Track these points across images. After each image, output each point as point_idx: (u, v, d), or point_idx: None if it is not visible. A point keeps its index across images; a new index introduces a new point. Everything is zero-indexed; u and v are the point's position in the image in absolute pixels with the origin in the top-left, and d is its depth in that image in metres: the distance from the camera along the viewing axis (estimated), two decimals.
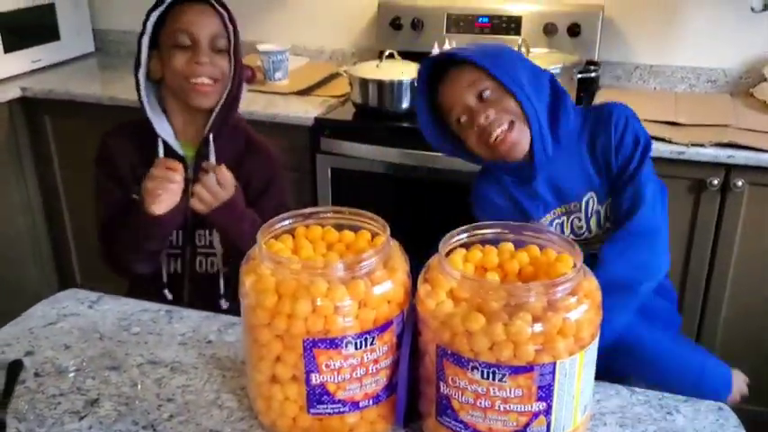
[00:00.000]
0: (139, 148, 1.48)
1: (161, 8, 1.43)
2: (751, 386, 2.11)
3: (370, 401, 0.91)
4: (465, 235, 0.94)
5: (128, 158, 1.49)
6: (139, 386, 1.06)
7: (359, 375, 0.89)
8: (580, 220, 1.43)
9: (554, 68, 2.06)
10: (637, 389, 1.04)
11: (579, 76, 2.14)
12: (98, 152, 1.53)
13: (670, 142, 1.96)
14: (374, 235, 0.98)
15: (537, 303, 0.83)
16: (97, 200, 1.53)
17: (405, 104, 2.23)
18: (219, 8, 1.44)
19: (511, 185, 1.47)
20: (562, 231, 1.43)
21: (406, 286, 0.92)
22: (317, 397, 0.89)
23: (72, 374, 1.09)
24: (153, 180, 1.36)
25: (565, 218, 1.44)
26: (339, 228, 0.99)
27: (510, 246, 0.96)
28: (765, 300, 2.04)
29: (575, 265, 0.86)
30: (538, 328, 0.81)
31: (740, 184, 1.93)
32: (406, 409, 0.93)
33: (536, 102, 1.37)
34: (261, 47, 2.53)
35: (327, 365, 0.87)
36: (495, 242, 0.96)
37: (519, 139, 1.37)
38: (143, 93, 1.45)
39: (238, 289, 0.94)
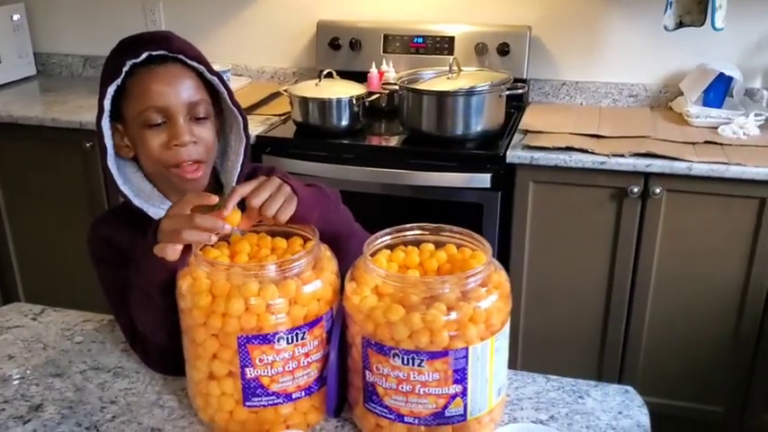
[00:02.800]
0: (137, 231, 1.08)
1: (117, 80, 1.11)
2: (676, 385, 2.25)
3: (303, 393, 0.97)
4: (388, 237, 1.01)
5: (128, 240, 1.11)
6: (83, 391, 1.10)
7: (291, 368, 0.95)
8: None
9: (482, 86, 2.18)
10: (552, 376, 1.13)
11: (507, 92, 2.25)
12: (92, 246, 1.23)
13: (593, 153, 2.09)
14: (306, 240, 1.05)
15: (451, 294, 0.91)
16: (115, 304, 1.19)
17: (344, 122, 2.31)
18: (193, 63, 1.15)
19: None
20: None
21: (334, 285, 0.99)
22: (251, 390, 0.95)
23: (16, 382, 1.12)
24: (176, 221, 0.97)
25: None
26: (273, 235, 1.06)
27: (431, 246, 1.04)
28: (687, 299, 2.17)
29: (485, 260, 0.95)
30: (452, 316, 0.89)
31: (658, 191, 2.06)
32: (337, 399, 1.00)
33: None
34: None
35: (261, 360, 0.94)
36: (417, 243, 1.04)
37: None
38: (117, 178, 1.15)
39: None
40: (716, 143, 2.15)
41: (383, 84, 2.43)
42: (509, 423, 1.02)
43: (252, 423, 0.98)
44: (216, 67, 1.19)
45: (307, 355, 0.96)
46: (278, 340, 0.93)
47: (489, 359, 0.92)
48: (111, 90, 1.12)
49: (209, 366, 0.97)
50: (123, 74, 1.11)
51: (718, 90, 2.38)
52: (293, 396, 0.97)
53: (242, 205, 1.01)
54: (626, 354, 2.28)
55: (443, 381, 0.90)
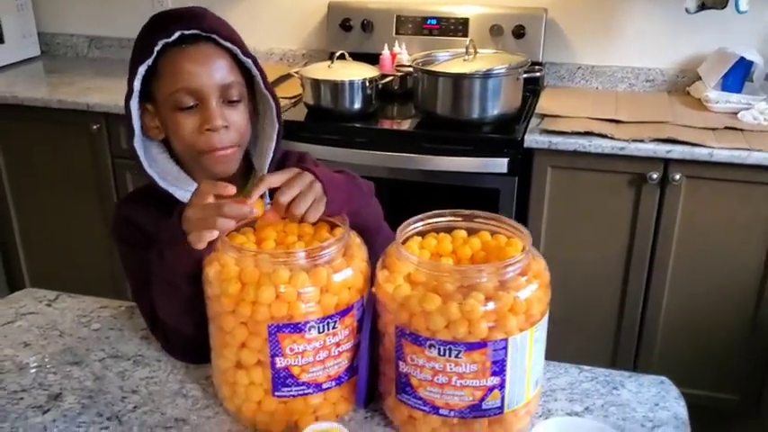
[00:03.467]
0: (163, 214, 1.06)
1: (149, 61, 1.07)
2: (692, 372, 2.22)
3: (333, 383, 0.94)
4: (420, 223, 0.98)
5: (152, 223, 1.10)
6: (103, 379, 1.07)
7: (322, 358, 0.92)
8: None
9: (500, 69, 2.14)
10: (585, 367, 1.10)
11: (525, 76, 2.21)
12: (115, 226, 1.18)
13: (612, 138, 2.05)
14: (333, 227, 1.01)
15: (489, 284, 0.88)
16: (136, 288, 1.15)
17: (357, 105, 2.27)
18: (226, 43, 1.10)
19: None
20: None
21: (365, 273, 0.95)
22: (281, 380, 0.92)
23: (33, 371, 1.09)
24: (203, 209, 0.93)
25: None
26: (299, 221, 1.02)
27: (463, 233, 1.00)
28: (704, 287, 2.14)
29: (524, 248, 0.92)
30: (490, 306, 0.86)
31: (678, 177, 2.03)
32: (367, 389, 0.97)
33: None
34: None
35: (291, 349, 0.91)
36: (448, 230, 1.01)
37: None
38: (144, 161, 1.11)
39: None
40: (736, 129, 2.11)
41: (397, 66, 2.38)
42: (543, 416, 0.99)
43: (280, 413, 0.95)
44: None
45: (338, 344, 0.93)
46: (309, 329, 0.90)
47: (528, 351, 0.89)
48: (141, 70, 1.08)
49: (238, 355, 0.93)
50: (155, 53, 1.07)
51: (738, 75, 2.34)
52: (323, 386, 0.94)
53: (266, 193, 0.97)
54: (641, 340, 2.25)
55: (481, 373, 0.87)
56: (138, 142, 1.11)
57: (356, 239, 0.98)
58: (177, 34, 1.07)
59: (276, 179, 0.96)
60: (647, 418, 0.99)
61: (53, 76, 2.80)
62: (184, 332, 1.06)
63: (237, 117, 1.12)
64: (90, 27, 3.02)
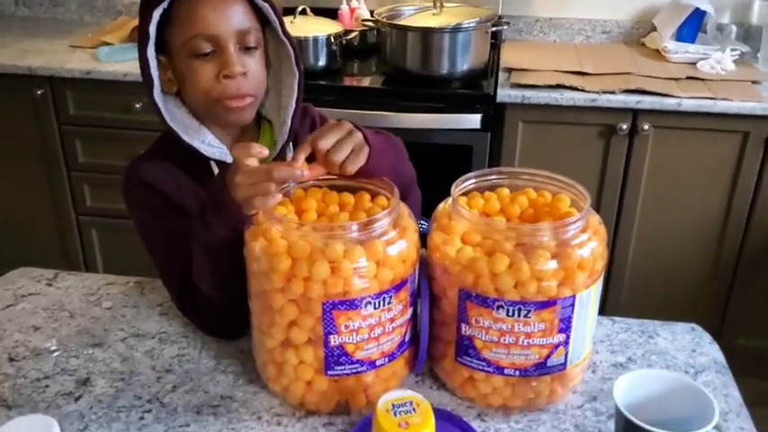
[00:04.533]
0: (183, 173, 1.08)
1: (164, 5, 1.02)
2: (657, 313, 2.31)
3: (386, 359, 0.91)
4: (473, 181, 0.96)
5: (172, 184, 1.08)
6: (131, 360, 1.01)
7: (377, 335, 0.89)
8: None
9: (469, 23, 2.11)
10: (616, 318, 1.12)
11: (492, 29, 2.19)
12: (132, 192, 1.10)
13: (583, 90, 2.07)
14: (374, 195, 0.98)
15: (550, 242, 0.87)
16: (162, 260, 1.08)
17: (321, 62, 2.21)
18: None
19: None
20: None
21: (417, 245, 0.92)
22: (335, 359, 0.89)
23: (53, 355, 1.02)
24: (253, 174, 0.87)
25: None
26: (336, 190, 0.98)
27: (507, 191, 0.99)
28: (670, 232, 2.22)
29: (580, 207, 0.91)
30: (558, 264, 0.85)
31: (646, 127, 2.07)
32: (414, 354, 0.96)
33: None
34: None
35: (347, 326, 0.87)
36: (491, 189, 0.99)
37: None
38: (165, 114, 1.06)
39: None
40: (698, 78, 2.17)
41: (363, 21, 2.32)
42: (590, 368, 1.00)
43: (331, 392, 0.91)
44: None
45: (392, 320, 0.90)
46: (365, 305, 0.87)
47: (591, 306, 0.89)
48: (156, 14, 1.01)
49: (286, 333, 0.89)
50: None
51: (692, 25, 2.40)
52: (377, 363, 0.91)
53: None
54: (609, 285, 2.32)
55: (549, 331, 0.87)
56: (157, 95, 1.05)
57: (405, 209, 0.94)
58: None
59: (315, 134, 0.91)
60: (688, 365, 1.02)
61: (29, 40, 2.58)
62: (222, 304, 1.01)
63: (255, 65, 1.07)
64: None
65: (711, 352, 1.05)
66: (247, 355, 1.01)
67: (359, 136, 0.94)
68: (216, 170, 1.09)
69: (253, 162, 0.89)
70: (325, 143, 0.91)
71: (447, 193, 0.95)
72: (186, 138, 1.07)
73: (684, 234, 2.21)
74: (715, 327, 2.33)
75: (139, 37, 1.03)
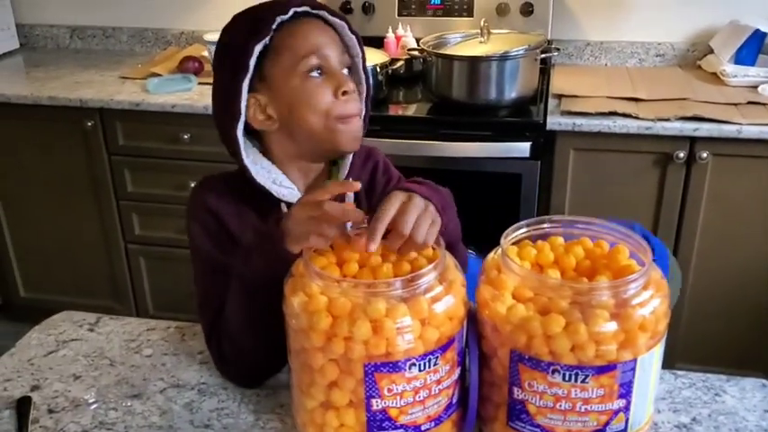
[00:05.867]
0: (250, 209, 1.08)
1: (266, 39, 1.01)
2: (717, 352, 2.21)
3: (432, 424, 0.86)
4: (524, 230, 0.91)
5: (233, 216, 1.07)
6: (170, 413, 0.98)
7: (422, 398, 0.84)
8: None
9: (517, 50, 2.06)
10: (679, 372, 1.05)
11: (541, 56, 2.14)
12: (194, 209, 1.08)
13: (637, 118, 2.00)
14: None
15: (609, 301, 0.81)
16: (204, 289, 1.07)
17: None
18: (335, 19, 1.07)
19: None
20: None
21: (465, 300, 0.87)
22: (377, 423, 0.84)
23: (92, 407, 1.00)
24: (314, 208, 0.87)
25: None
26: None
27: (560, 239, 0.93)
28: (729, 266, 2.11)
29: (640, 260, 0.85)
30: (616, 325, 0.79)
31: (705, 155, 1.98)
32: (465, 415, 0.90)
33: None
34: (207, 36, 2.42)
35: (390, 390, 0.82)
36: (544, 237, 0.94)
37: None
38: (243, 151, 1.04)
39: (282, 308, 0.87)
40: (760, 103, 2.07)
41: (408, 50, 2.29)
42: (652, 430, 0.93)
43: None
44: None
45: (438, 382, 0.84)
46: (409, 368, 0.81)
47: (654, 369, 0.83)
48: (258, 48, 1.01)
49: (327, 394, 0.85)
50: (272, 31, 1.02)
51: (752, 47, 2.30)
52: (422, 428, 0.85)
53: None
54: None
55: (608, 396, 0.81)
56: (240, 130, 1.04)
57: (452, 261, 0.89)
58: (291, 11, 1.03)
59: (391, 213, 0.86)
60: (760, 428, 0.94)
61: (37, 71, 2.63)
62: (245, 347, 0.98)
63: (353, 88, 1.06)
64: (71, 16, 2.86)
65: None
66: (287, 411, 0.97)
67: (432, 209, 0.90)
68: (284, 209, 1.06)
69: (323, 196, 0.86)
70: (407, 224, 0.86)
71: (496, 224, 0.90)
72: (260, 179, 1.05)
73: (745, 268, 2.11)
74: None
75: (233, 71, 1.02)
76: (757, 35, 2.27)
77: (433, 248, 0.90)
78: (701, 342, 2.22)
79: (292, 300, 0.85)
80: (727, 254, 2.10)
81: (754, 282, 2.11)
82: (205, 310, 1.06)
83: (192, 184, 1.14)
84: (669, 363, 1.08)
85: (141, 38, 2.82)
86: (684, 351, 2.21)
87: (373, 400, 0.82)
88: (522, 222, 0.91)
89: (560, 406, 0.82)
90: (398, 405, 0.83)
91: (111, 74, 2.53)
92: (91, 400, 1.01)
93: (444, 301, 0.84)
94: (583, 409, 0.82)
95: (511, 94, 2.10)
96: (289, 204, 1.05)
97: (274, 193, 1.06)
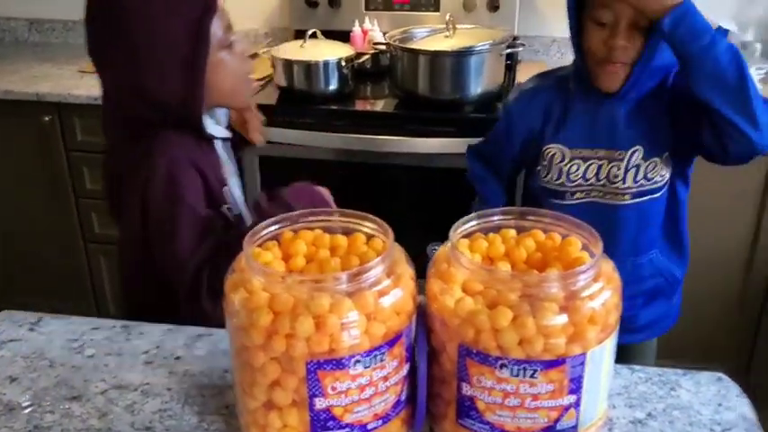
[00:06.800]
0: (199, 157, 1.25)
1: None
2: (682, 347, 2.20)
3: (380, 422, 0.83)
4: (474, 223, 0.88)
5: (208, 171, 1.25)
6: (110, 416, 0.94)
7: (368, 396, 0.81)
8: (619, 168, 1.34)
9: (482, 45, 2.04)
10: (635, 366, 1.03)
11: (506, 51, 2.12)
12: (182, 173, 1.19)
13: None
14: (369, 237, 0.90)
15: (559, 293, 0.79)
16: (189, 242, 1.16)
17: (333, 86, 2.15)
18: None
19: (579, 99, 1.38)
20: (597, 175, 1.37)
21: (413, 293, 0.84)
22: (321, 423, 0.81)
23: (26, 411, 0.96)
24: None
25: (605, 162, 1.36)
26: (329, 231, 0.91)
27: (513, 232, 0.91)
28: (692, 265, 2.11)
29: (591, 252, 0.83)
30: (566, 318, 0.77)
31: None
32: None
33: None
34: None
35: (334, 388, 0.79)
36: (496, 230, 0.91)
37: (623, 77, 1.30)
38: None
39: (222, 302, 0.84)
40: None
41: (374, 44, 2.26)
42: (606, 426, 0.91)
43: None
44: None
45: (385, 378, 0.81)
46: (354, 364, 0.79)
47: (605, 363, 0.81)
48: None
49: (269, 394, 0.81)
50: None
51: None
52: (369, 427, 0.82)
53: None
54: None
55: (558, 392, 0.79)
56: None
57: (402, 254, 0.86)
58: None
59: None
60: (714, 422, 0.93)
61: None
62: None
63: None
64: (29, 8, 2.79)
65: (739, 406, 0.95)
66: (231, 412, 0.94)
67: None
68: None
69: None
70: None
71: (461, 218, 0.88)
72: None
73: (710, 262, 2.11)
74: (743, 361, 2.22)
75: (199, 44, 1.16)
76: (720, 32, 2.27)
77: (383, 240, 0.87)
78: (666, 337, 2.22)
79: (233, 297, 0.82)
80: (692, 250, 2.10)
81: (714, 277, 2.12)
82: (186, 266, 1.14)
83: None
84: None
85: None
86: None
87: (316, 399, 0.79)
88: (472, 215, 0.89)
89: (509, 402, 0.79)
90: (343, 403, 0.80)
91: (69, 68, 2.46)
92: (26, 404, 0.97)
93: (392, 295, 0.81)
94: (532, 406, 0.79)
95: (476, 89, 2.08)
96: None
97: (216, 134, 1.28)
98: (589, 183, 1.38)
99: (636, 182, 1.35)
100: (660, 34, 1.21)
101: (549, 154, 1.40)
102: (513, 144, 1.48)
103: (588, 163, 1.37)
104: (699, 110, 1.23)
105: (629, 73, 1.29)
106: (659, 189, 1.36)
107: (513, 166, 1.57)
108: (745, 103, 1.18)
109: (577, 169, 1.37)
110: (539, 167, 1.42)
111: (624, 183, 1.35)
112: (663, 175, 1.35)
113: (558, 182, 1.40)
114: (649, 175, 1.34)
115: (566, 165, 1.38)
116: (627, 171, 1.34)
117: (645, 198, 1.36)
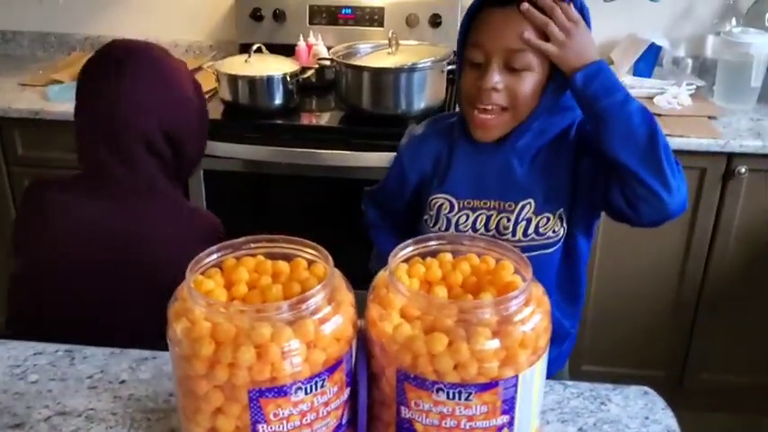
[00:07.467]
0: None
1: None
2: (621, 353, 2.29)
3: None
4: (411, 248, 0.92)
5: None
6: None
7: (309, 421, 0.83)
8: (509, 220, 1.27)
9: (424, 62, 2.08)
10: (568, 382, 1.08)
11: (448, 67, 2.17)
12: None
13: None
14: (310, 263, 0.93)
15: (492, 318, 0.83)
16: None
17: (278, 101, 2.16)
18: None
19: (464, 148, 1.30)
20: (486, 225, 1.29)
21: (353, 320, 0.87)
22: None
23: None
24: None
25: (494, 212, 1.28)
26: (272, 257, 0.93)
27: (449, 256, 0.95)
28: (629, 273, 2.20)
29: (524, 278, 0.87)
30: (499, 343, 0.81)
31: None
32: None
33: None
34: None
35: (276, 415, 0.81)
36: (434, 254, 0.95)
37: (498, 126, 1.24)
38: None
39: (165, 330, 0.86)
40: (655, 114, 2.15)
41: (319, 59, 2.28)
42: None
43: None
44: None
45: (326, 404, 0.84)
46: (295, 391, 0.81)
47: (536, 384, 0.85)
48: None
49: (212, 421, 0.83)
50: None
51: (648, 60, 2.40)
52: None
53: None
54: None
55: (491, 413, 0.83)
56: None
57: (342, 281, 0.89)
58: None
59: None
60: None
61: None
62: None
63: None
64: None
65: (664, 419, 1.01)
66: None
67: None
68: None
69: None
70: None
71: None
72: None
73: (644, 273, 2.20)
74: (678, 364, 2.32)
75: None
76: (653, 48, 2.37)
77: (312, 261, 0.90)
78: (604, 344, 2.30)
79: (175, 326, 0.83)
80: (625, 260, 2.19)
81: (651, 284, 2.21)
82: None
83: None
84: (575, 364, 1.10)
85: (44, 42, 2.71)
86: (590, 353, 2.28)
87: (259, 426, 0.82)
88: (409, 240, 0.92)
89: (446, 424, 0.83)
90: (285, 429, 0.83)
91: (9, 80, 2.42)
92: None
93: (332, 322, 0.84)
94: (467, 427, 0.83)
95: (419, 105, 2.12)
96: None
97: None
98: (479, 234, 1.29)
99: (526, 236, 1.27)
100: (571, 89, 1.17)
101: (437, 204, 1.31)
102: (405, 191, 1.38)
103: (477, 213, 1.29)
104: (606, 169, 1.19)
105: (521, 121, 1.22)
106: (552, 245, 1.28)
107: (408, 212, 1.42)
108: (658, 164, 1.14)
109: (466, 220, 1.29)
110: (425, 216, 1.33)
111: (514, 236, 1.27)
112: (556, 230, 1.27)
113: (446, 232, 1.30)
114: (541, 230, 1.27)
115: (454, 216, 1.30)
116: (517, 224, 1.27)
117: (536, 252, 1.26)
